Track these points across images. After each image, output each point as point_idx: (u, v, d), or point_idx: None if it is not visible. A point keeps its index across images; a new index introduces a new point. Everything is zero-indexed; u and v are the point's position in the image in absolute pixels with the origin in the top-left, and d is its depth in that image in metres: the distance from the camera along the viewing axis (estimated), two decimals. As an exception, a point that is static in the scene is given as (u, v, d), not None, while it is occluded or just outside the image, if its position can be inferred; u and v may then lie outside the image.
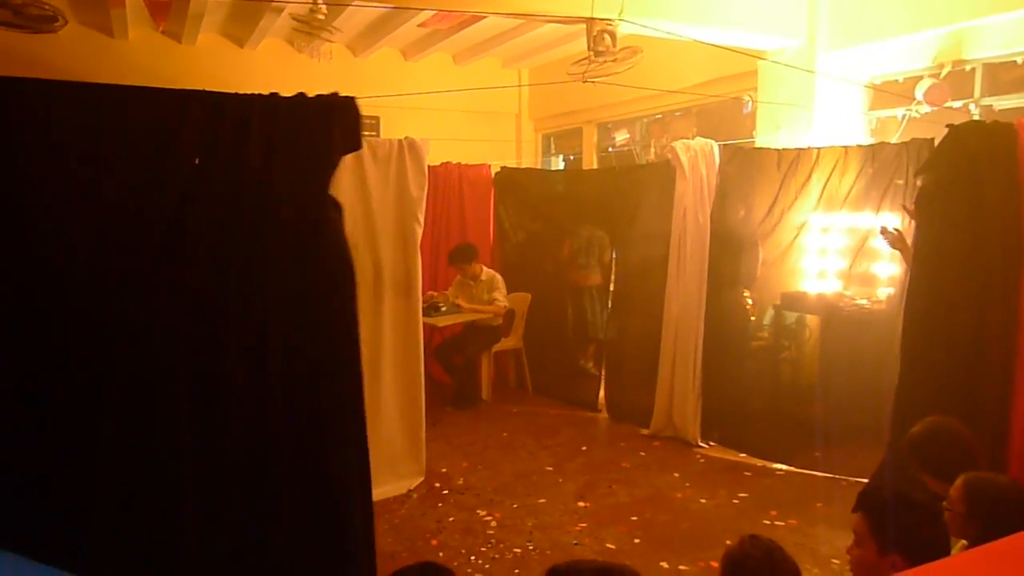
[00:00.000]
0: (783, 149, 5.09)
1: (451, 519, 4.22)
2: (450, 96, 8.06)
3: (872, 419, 4.48)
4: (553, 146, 9.10)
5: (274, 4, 6.14)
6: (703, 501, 4.42)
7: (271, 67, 7.46)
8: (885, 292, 4.89)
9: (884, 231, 3.95)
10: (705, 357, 5.22)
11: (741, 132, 6.42)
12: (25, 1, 3.93)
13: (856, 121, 5.65)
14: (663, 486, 4.66)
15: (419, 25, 7.01)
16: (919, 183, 3.64)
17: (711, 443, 5.28)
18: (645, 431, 5.57)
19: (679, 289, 5.33)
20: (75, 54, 6.72)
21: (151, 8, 6.47)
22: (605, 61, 5.10)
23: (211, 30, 7.28)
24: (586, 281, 6.61)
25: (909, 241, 3.76)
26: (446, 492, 4.58)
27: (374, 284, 4.41)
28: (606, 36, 4.95)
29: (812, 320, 5.29)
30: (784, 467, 4.88)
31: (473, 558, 3.78)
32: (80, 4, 6.23)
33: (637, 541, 3.94)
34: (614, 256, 6.18)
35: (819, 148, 4.92)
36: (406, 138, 4.46)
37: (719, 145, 5.27)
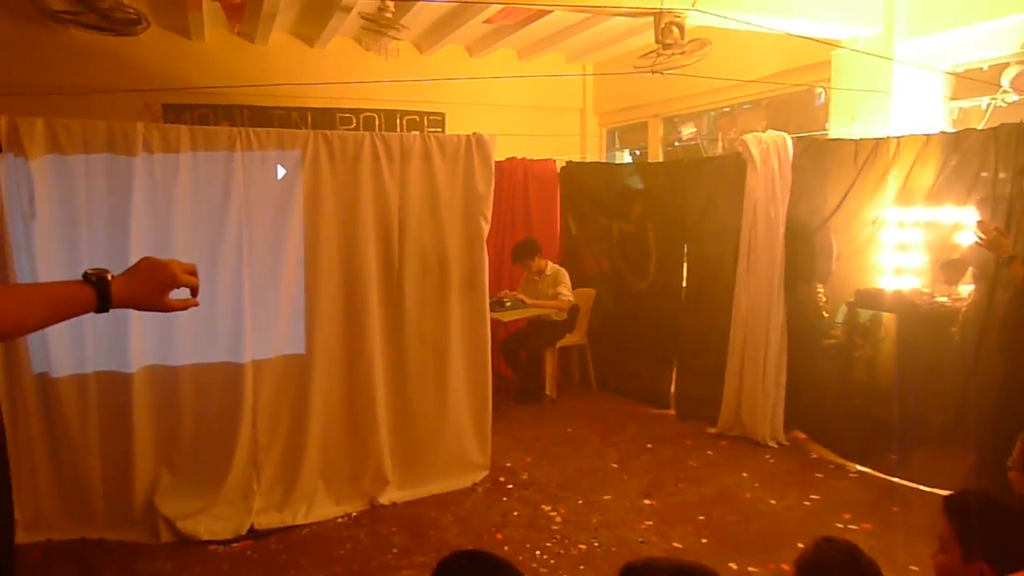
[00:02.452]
0: (860, 139, 4.92)
1: (516, 513, 4.23)
2: (515, 92, 8.09)
3: (952, 422, 4.32)
4: (618, 141, 9.01)
5: (343, 3, 6.24)
6: (773, 502, 4.33)
7: (340, 65, 7.58)
8: (967, 289, 4.68)
9: (981, 225, 3.77)
10: (789, 353, 5.13)
11: (813, 124, 6.24)
12: (112, 5, 4.08)
13: (936, 112, 5.43)
14: (731, 486, 4.58)
15: (484, 21, 7.03)
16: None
17: (792, 436, 5.16)
18: (712, 429, 5.49)
19: (749, 285, 5.22)
20: (155, 56, 6.95)
21: (227, 10, 6.64)
22: (673, 54, 5.02)
23: (282, 30, 7.44)
24: (651, 277, 6.52)
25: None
26: (511, 487, 4.59)
27: (441, 279, 4.45)
28: (674, 28, 4.86)
29: (888, 318, 5.11)
30: (857, 469, 4.74)
31: (538, 553, 3.78)
32: (159, 7, 6.44)
33: (705, 541, 3.88)
34: (685, 250, 6.08)
35: (899, 137, 4.74)
36: (474, 134, 4.48)
37: (791, 138, 5.14)
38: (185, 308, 1.42)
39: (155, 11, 6.54)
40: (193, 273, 1.41)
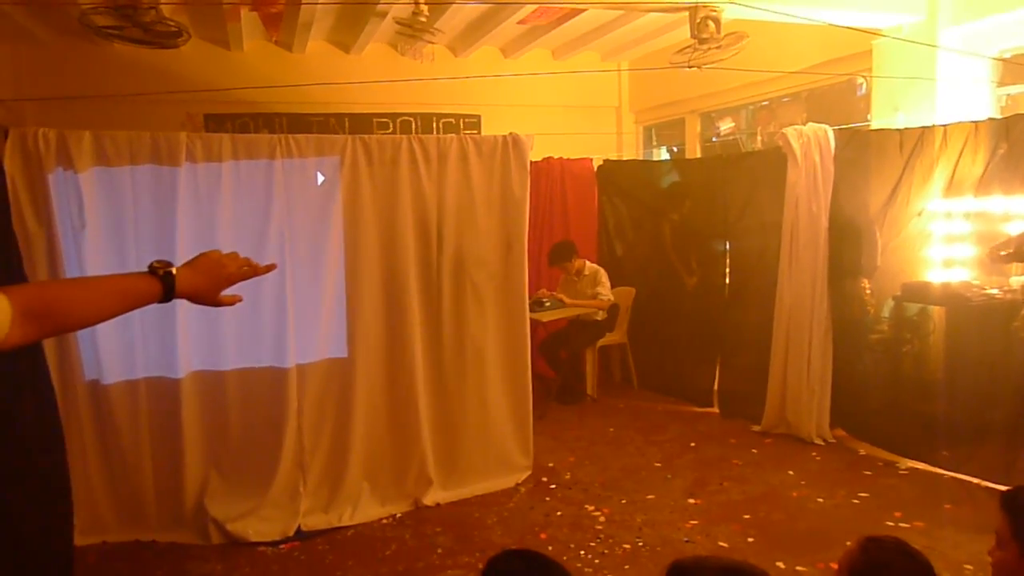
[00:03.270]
0: (905, 129, 4.82)
1: (559, 513, 4.22)
2: (550, 92, 8.09)
3: (1004, 416, 4.20)
4: (655, 138, 8.95)
5: (378, 8, 6.30)
6: (820, 500, 4.26)
7: (376, 71, 7.65)
8: (1019, 281, 4.55)
9: None
10: (834, 349, 5.07)
11: (855, 116, 6.12)
12: (154, 19, 4.17)
13: (984, 100, 5.28)
14: (777, 484, 4.51)
15: (518, 22, 7.03)
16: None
17: (836, 434, 5.11)
18: (756, 427, 5.42)
19: (792, 280, 5.15)
20: (196, 67, 7.09)
21: (264, 19, 6.76)
22: (709, 48, 4.97)
23: (319, 38, 7.54)
24: (693, 273, 6.46)
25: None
26: (554, 487, 4.58)
27: (480, 280, 4.47)
28: (710, 23, 4.82)
29: (936, 312, 4.98)
30: (908, 466, 4.64)
31: (582, 552, 3.77)
32: (199, 19, 6.57)
33: (751, 540, 3.83)
34: (726, 247, 6.01)
35: (945, 126, 4.63)
36: (510, 134, 4.49)
37: (833, 130, 5.05)
38: (232, 304, 1.49)
39: (195, 23, 6.69)
40: (246, 265, 1.49)
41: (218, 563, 3.78)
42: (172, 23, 4.28)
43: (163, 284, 1.35)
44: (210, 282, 1.44)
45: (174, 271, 1.37)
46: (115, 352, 3.92)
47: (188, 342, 3.98)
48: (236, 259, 1.47)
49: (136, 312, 3.65)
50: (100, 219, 3.82)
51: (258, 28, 7.06)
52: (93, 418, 3.95)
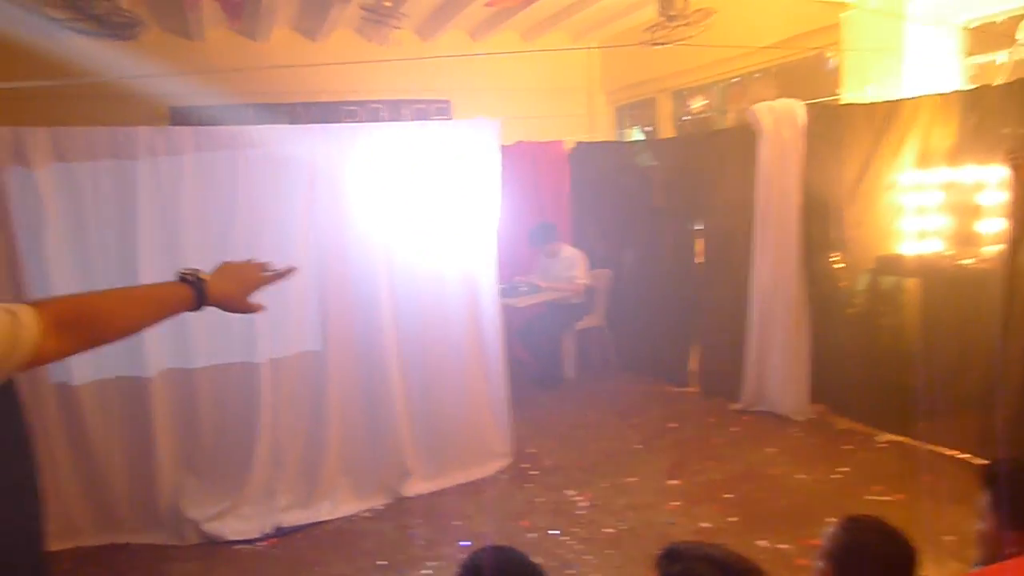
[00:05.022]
0: (875, 103, 4.81)
1: (540, 500, 4.20)
2: (520, 74, 8.02)
3: (980, 387, 4.22)
4: (627, 119, 8.91)
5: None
6: (801, 477, 4.26)
7: (343, 57, 7.52)
8: (992, 250, 4.57)
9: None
10: (810, 324, 5.09)
11: (825, 90, 6.12)
12: (107, 10, 4.05)
13: (952, 69, 5.29)
14: (757, 462, 4.52)
15: (486, 4, 6.95)
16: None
17: (816, 409, 5.13)
18: (735, 406, 5.42)
19: (766, 257, 5.14)
20: (157, 58, 6.93)
21: (225, 7, 6.62)
22: (677, 25, 4.94)
23: (283, 25, 7.41)
24: (667, 254, 6.44)
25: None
26: (535, 473, 4.56)
27: (452, 268, 4.41)
28: (677, -1, 4.78)
29: (911, 284, 5.00)
30: (886, 439, 4.66)
31: (565, 539, 3.74)
32: (158, 9, 6.43)
33: (733, 519, 3.83)
34: (697, 227, 5.99)
35: (915, 98, 4.62)
36: (478, 119, 4.42)
37: (803, 105, 5.03)
38: (258, 311, 1.51)
39: (154, 13, 6.54)
40: (269, 271, 1.53)
41: (195, 563, 3.73)
42: (126, 13, 4.15)
43: (195, 291, 1.37)
44: (239, 287, 1.46)
45: (205, 278, 1.39)
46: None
47: (157, 340, 3.88)
48: (259, 265, 1.51)
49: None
50: (60, 217, 3.71)
51: (220, 16, 6.91)
52: (62, 420, 3.86)
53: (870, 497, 3.91)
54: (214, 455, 4.08)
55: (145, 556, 3.82)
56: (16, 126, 3.63)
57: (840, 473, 4.26)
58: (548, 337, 6.36)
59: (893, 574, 1.73)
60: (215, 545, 3.87)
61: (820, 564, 1.79)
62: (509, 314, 6.15)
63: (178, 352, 3.98)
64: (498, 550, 1.75)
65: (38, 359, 1.15)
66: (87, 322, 1.24)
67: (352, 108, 7.85)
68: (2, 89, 5.31)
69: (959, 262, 4.65)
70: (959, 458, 4.25)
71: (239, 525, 3.96)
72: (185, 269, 1.39)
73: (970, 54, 5.28)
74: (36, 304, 1.17)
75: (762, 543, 3.53)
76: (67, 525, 3.88)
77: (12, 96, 5.92)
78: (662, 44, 4.83)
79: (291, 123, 6.92)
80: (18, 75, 6.47)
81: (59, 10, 4.07)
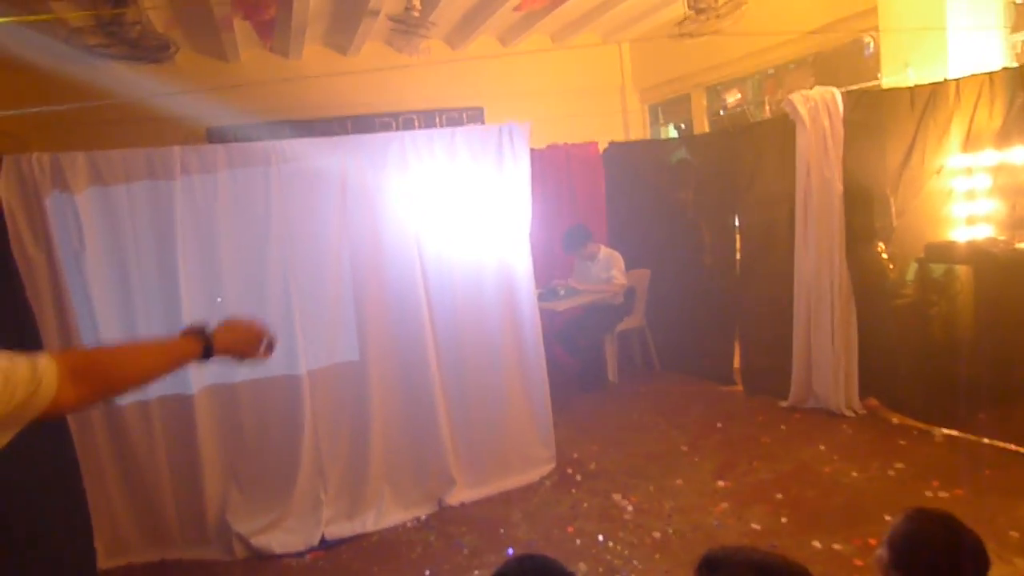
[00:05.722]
0: (915, 86, 4.65)
1: (585, 505, 4.13)
2: (552, 78, 7.98)
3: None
4: (661, 116, 8.80)
5: (370, 7, 6.22)
6: (854, 474, 4.12)
7: (375, 71, 7.58)
8: (1049, 233, 4.38)
9: None
10: (858, 317, 4.94)
11: (864, 76, 5.95)
12: (139, 34, 4.13)
13: (996, 47, 5.09)
14: (808, 460, 4.39)
15: (514, 9, 6.93)
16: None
17: (867, 405, 4.97)
18: (783, 403, 5.28)
19: (808, 250, 5.00)
20: (194, 81, 7.07)
21: (257, 27, 6.71)
22: (708, 18, 4.85)
23: (314, 42, 7.48)
24: (707, 251, 6.32)
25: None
26: (579, 478, 4.49)
27: (488, 273, 4.38)
28: (706, -8, 4.70)
29: (962, 271, 4.82)
30: (943, 433, 4.49)
31: (611, 544, 3.67)
32: (192, 32, 6.54)
33: (784, 520, 3.72)
34: (736, 222, 5.87)
35: (958, 79, 4.46)
36: (508, 123, 4.39)
37: (841, 92, 4.89)
38: (265, 358, 1.69)
39: (189, 36, 6.66)
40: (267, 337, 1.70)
41: (243, 578, 3.75)
42: (159, 36, 4.23)
43: (203, 344, 1.50)
44: (245, 339, 1.63)
45: (213, 331, 1.53)
46: (127, 373, 3.88)
47: (198, 357, 3.93)
48: (261, 326, 1.68)
49: (145, 330, 3.65)
50: (99, 239, 3.78)
51: (253, 37, 7.01)
52: (109, 441, 3.92)
53: (928, 493, 3.76)
54: (259, 469, 4.11)
55: (196, 572, 3.86)
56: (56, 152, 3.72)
57: (895, 470, 4.11)
58: (589, 340, 6.30)
59: (960, 569, 1.64)
60: (263, 559, 3.89)
61: (881, 552, 1.71)
62: (549, 318, 6.11)
63: (219, 368, 4.01)
64: (525, 559, 1.71)
65: (56, 407, 1.20)
66: (103, 373, 1.31)
67: (386, 120, 7.90)
68: (43, 118, 5.47)
69: (1014, 246, 4.47)
70: (1020, 451, 4.07)
71: (286, 538, 3.98)
72: (193, 323, 1.53)
73: (1015, 30, 5.08)
74: (55, 355, 1.23)
75: (816, 544, 3.42)
76: (118, 542, 3.95)
77: (54, 125, 6.09)
78: (692, 36, 4.74)
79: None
80: (57, 104, 6.66)
81: (93, 37, 4.15)
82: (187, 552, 3.99)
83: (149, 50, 4.23)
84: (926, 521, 1.72)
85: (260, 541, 3.94)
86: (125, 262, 3.84)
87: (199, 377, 3.95)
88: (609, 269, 6.18)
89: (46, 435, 3.53)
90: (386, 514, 4.16)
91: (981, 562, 1.63)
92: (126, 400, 3.89)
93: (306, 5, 5.91)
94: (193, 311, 3.85)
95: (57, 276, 3.68)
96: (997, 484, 3.76)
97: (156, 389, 3.94)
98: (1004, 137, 4.32)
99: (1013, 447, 4.13)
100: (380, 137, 4.27)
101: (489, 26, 7.38)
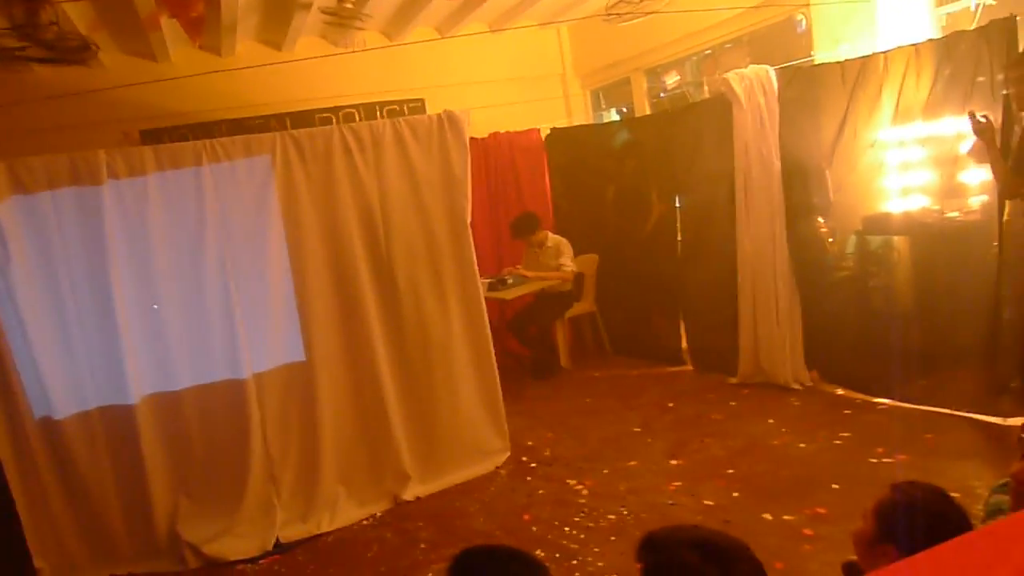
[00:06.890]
0: (846, 61, 4.73)
1: (541, 492, 4.14)
2: (492, 66, 7.92)
3: (978, 341, 4.15)
4: (603, 101, 8.81)
5: (301, 1, 6.09)
6: (802, 446, 4.20)
7: (311, 65, 7.43)
8: (978, 201, 4.49)
9: (972, 115, 3.62)
10: (800, 291, 5.01)
11: (799, 53, 6.01)
12: (56, 36, 3.97)
13: (924, 21, 5.20)
14: (758, 435, 4.45)
15: (450, -6, 6.85)
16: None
17: (814, 377, 5.05)
18: (732, 380, 5.36)
19: (750, 228, 5.07)
20: (123, 82, 6.84)
21: (185, 25, 6.50)
22: (642, 0, 4.86)
23: (247, 38, 7.29)
24: (649, 233, 6.35)
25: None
26: (534, 465, 4.49)
27: (431, 265, 4.35)
28: (639, -26, 4.70)
29: (900, 242, 4.93)
30: (886, 402, 4.60)
31: (567, 529, 3.68)
32: (119, 33, 6.33)
33: (736, 495, 3.77)
34: (678, 203, 5.91)
35: (885, 52, 4.54)
36: (445, 111, 4.35)
37: (775, 70, 4.95)
38: None
39: (115, 37, 6.44)
40: None
41: (196, 587, 3.67)
42: (78, 37, 4.07)
43: None
44: None
45: None
46: (63, 385, 3.76)
47: (137, 365, 3.83)
48: None
49: (80, 341, 3.49)
50: (25, 250, 3.64)
51: (183, 35, 6.81)
52: (49, 455, 3.79)
53: (873, 460, 3.85)
54: (208, 476, 4.03)
55: (145, 585, 3.76)
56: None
57: (841, 439, 4.20)
58: (540, 327, 6.30)
59: (941, 531, 1.68)
60: (217, 567, 3.82)
61: (863, 527, 1.74)
62: (499, 307, 6.09)
63: (160, 375, 3.92)
64: (476, 552, 1.69)
65: None
66: None
67: (326, 115, 7.75)
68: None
69: (946, 215, 4.58)
70: (959, 416, 4.18)
71: (239, 544, 3.91)
72: None
73: (941, 4, 5.19)
74: None
75: (767, 516, 3.47)
76: (65, 560, 3.83)
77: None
78: (623, 20, 4.74)
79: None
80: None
81: (7, 39, 3.98)
82: (137, 565, 3.89)
83: (69, 51, 4.08)
84: (909, 489, 1.76)
85: (212, 549, 3.86)
86: (55, 272, 3.71)
87: (138, 386, 3.84)
88: (558, 256, 6.19)
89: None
90: (340, 513, 4.11)
91: (966, 525, 1.68)
92: (64, 413, 3.76)
93: (234, 1, 5.75)
94: (129, 319, 3.75)
95: (-19, 292, 3.54)
96: (938, 448, 3.86)
97: (94, 400, 3.83)
98: (933, 108, 4.41)
99: (950, 411, 4.24)
100: (318, 131, 4.19)
101: (426, 16, 7.27)
